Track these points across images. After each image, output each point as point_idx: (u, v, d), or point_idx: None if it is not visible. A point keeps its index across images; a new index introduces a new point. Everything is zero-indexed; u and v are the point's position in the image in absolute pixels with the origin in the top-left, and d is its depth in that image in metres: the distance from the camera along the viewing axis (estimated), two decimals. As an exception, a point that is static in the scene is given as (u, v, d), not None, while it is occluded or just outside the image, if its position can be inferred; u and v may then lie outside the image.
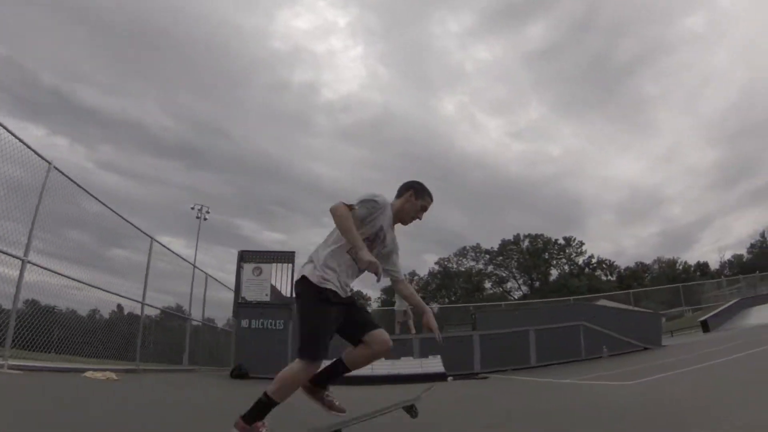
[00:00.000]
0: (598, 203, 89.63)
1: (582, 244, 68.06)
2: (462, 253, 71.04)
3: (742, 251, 63.21)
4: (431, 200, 3.04)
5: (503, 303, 47.70)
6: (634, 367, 8.28)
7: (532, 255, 67.79)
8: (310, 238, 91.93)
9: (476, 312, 19.56)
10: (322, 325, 2.67)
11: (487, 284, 69.78)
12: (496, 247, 69.15)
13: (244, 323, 11.41)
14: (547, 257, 68.36)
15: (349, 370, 2.82)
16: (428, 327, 2.91)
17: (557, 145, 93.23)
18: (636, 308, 17.88)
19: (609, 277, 65.54)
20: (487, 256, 69.61)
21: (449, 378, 10.10)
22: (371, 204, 2.78)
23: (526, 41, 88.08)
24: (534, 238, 68.36)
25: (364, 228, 2.76)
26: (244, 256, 12.35)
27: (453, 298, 64.97)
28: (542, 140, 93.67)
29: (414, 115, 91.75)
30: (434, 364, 10.53)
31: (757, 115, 79.91)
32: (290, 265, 12.24)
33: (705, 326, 19.07)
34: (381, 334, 2.77)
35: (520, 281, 69.24)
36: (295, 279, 2.91)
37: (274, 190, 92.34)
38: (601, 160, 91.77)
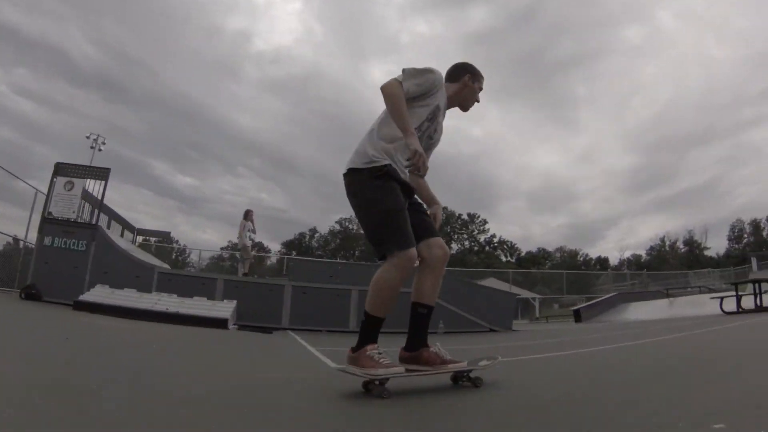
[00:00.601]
0: (512, 188, 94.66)
1: (485, 222, 69.75)
2: None
3: (642, 252, 69.13)
4: (483, 80, 2.78)
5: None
6: (453, 347, 6.52)
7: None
8: (222, 186, 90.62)
9: (291, 262, 17.49)
10: (396, 206, 2.25)
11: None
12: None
13: (47, 241, 10.16)
14: (449, 230, 69.02)
15: (433, 307, 2.40)
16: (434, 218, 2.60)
17: (480, 127, 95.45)
18: (493, 287, 16.50)
19: (509, 258, 67.41)
20: None
21: (233, 326, 9.03)
22: (429, 77, 2.44)
23: (467, 23, 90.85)
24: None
25: (420, 107, 2.44)
26: (59, 169, 10.88)
27: (352, 260, 64.26)
28: (466, 120, 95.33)
29: (342, 78, 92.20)
30: (223, 309, 9.31)
31: (675, 131, 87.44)
32: (103, 182, 11.04)
33: (577, 316, 18.50)
34: (437, 242, 2.41)
35: None
36: (343, 174, 2.42)
37: (191, 134, 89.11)
38: (520, 148, 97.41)
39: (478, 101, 2.78)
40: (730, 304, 11.09)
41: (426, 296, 2.39)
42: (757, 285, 11.08)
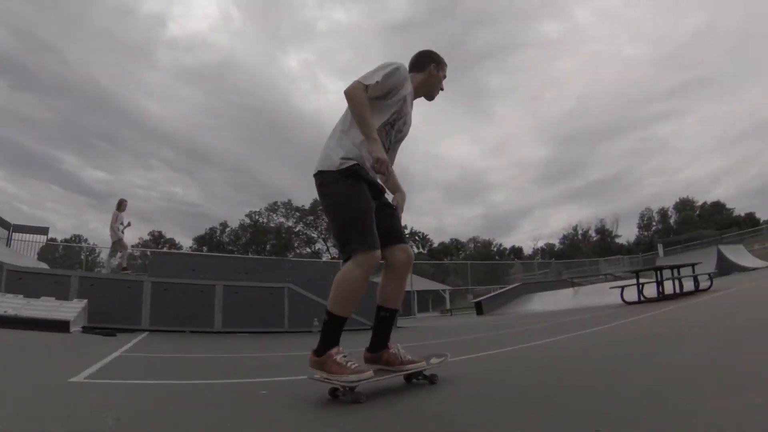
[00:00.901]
0: (426, 179, 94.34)
1: None
2: (273, 207, 67.88)
3: (555, 241, 71.46)
4: (446, 67, 2.83)
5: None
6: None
7: None
8: (133, 180, 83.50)
9: (152, 256, 15.84)
10: (363, 207, 2.28)
11: (296, 243, 67.64)
12: (308, 205, 66.59)
13: None
14: None
15: (394, 311, 2.47)
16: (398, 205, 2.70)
17: None
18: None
19: (421, 249, 67.53)
20: (298, 213, 66.89)
21: (77, 329, 8.08)
22: (394, 75, 2.42)
23: (386, 11, 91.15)
24: None
25: (388, 101, 2.45)
26: None
27: (264, 254, 61.64)
28: None
29: (258, 66, 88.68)
30: (69, 309, 8.28)
31: (587, 125, 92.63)
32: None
33: (479, 308, 17.84)
34: (402, 248, 2.45)
35: (330, 244, 67.88)
36: (313, 174, 2.44)
37: (101, 124, 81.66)
38: (434, 139, 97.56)
39: (442, 89, 2.82)
40: (632, 294, 10.58)
41: (390, 300, 2.45)
42: (658, 272, 10.62)
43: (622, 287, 10.93)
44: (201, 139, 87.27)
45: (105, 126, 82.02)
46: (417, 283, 31.38)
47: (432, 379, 2.47)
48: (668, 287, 10.43)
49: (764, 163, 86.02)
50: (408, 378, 2.48)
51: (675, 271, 10.99)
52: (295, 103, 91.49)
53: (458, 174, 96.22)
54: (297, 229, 67.82)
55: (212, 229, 68.30)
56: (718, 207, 67.39)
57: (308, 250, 66.41)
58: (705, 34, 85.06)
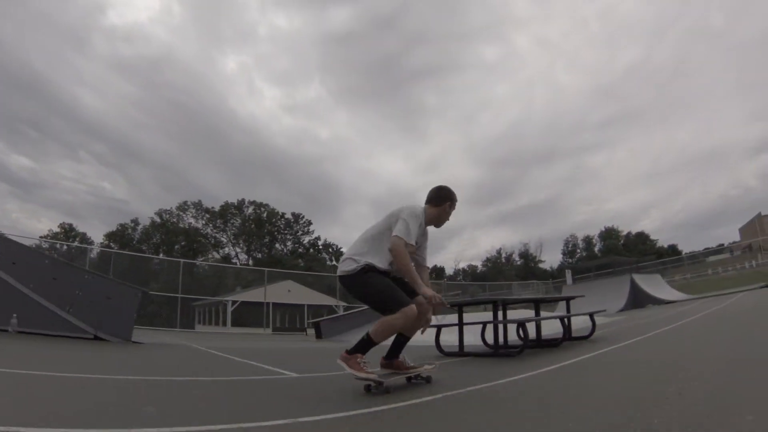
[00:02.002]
0: (356, 193, 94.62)
1: (309, 223, 64.43)
2: (183, 207, 61.72)
3: (478, 263, 70.19)
4: (456, 201, 3.54)
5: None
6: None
7: (257, 224, 61.23)
8: (61, 172, 77.25)
9: None
10: (383, 282, 3.11)
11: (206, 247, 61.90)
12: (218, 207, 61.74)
13: None
14: (272, 230, 62.66)
15: (408, 338, 3.35)
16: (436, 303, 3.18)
17: (328, 128, 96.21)
18: (116, 279, 10.48)
19: (335, 262, 62.78)
20: (207, 215, 61.31)
21: None
22: (418, 222, 3.25)
23: (327, 21, 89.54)
24: (258, 206, 61.97)
25: (418, 241, 3.30)
26: None
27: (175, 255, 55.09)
28: (314, 120, 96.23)
29: (195, 64, 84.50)
30: None
31: (520, 149, 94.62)
32: None
33: (317, 331, 14.37)
34: (421, 300, 3.16)
35: (238, 249, 62.24)
36: (339, 277, 3.30)
37: (29, 109, 73.31)
38: (366, 153, 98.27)
39: (448, 219, 3.52)
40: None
41: (407, 331, 3.29)
42: (500, 306, 5.95)
43: (483, 324, 6.30)
44: (132, 135, 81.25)
45: (34, 112, 75.00)
46: (310, 297, 27.44)
47: (428, 380, 3.42)
48: (531, 331, 5.83)
49: (689, 198, 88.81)
50: (408, 379, 3.39)
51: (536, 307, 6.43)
52: (231, 105, 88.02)
53: (388, 190, 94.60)
54: (205, 231, 61.66)
55: (123, 226, 62.08)
56: (642, 237, 67.55)
57: (216, 254, 60.77)
58: (639, 69, 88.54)
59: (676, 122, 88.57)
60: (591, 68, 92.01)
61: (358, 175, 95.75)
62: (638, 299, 19.12)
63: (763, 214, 52.38)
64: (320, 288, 29.66)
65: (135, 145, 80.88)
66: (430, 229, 3.47)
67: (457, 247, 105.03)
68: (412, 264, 3.11)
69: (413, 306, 2.98)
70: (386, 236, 3.18)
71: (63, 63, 75.36)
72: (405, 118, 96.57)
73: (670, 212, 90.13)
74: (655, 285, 20.63)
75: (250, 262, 59.50)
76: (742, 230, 57.75)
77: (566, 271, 29.00)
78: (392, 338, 3.29)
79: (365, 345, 3.04)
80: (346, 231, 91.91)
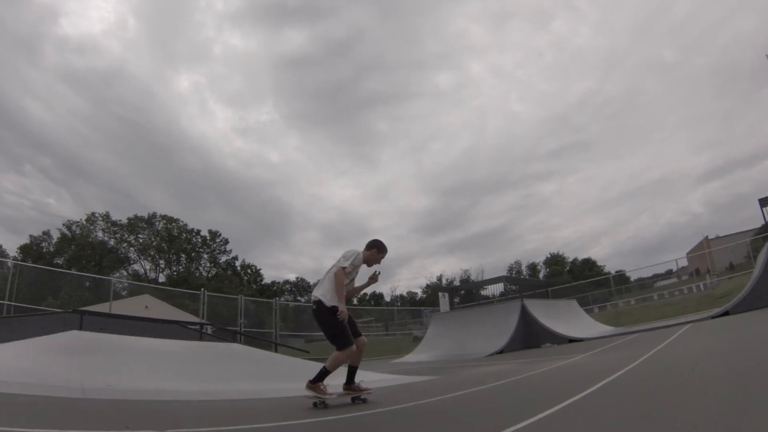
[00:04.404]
0: (306, 219, 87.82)
1: (227, 242, 56.81)
2: (91, 219, 53.85)
3: (418, 290, 66.12)
4: (386, 253, 4.82)
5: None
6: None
7: (169, 240, 53.61)
8: (4, 185, 65.76)
9: None
10: (341, 325, 4.30)
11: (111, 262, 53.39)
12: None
13: None
14: (187, 247, 55.02)
15: (356, 367, 4.63)
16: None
17: (279, 152, 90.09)
18: None
19: (253, 285, 55.26)
20: (114, 228, 53.60)
21: None
22: (358, 263, 4.62)
23: (282, 44, 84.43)
24: (170, 221, 54.33)
25: (354, 271, 4.66)
26: None
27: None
28: (266, 144, 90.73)
29: (147, 81, 76.17)
30: None
31: (470, 178, 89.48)
32: None
33: None
34: (362, 339, 4.57)
35: (148, 266, 54.18)
36: (313, 300, 4.54)
37: None
38: (316, 179, 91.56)
39: (378, 263, 4.78)
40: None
41: (355, 362, 4.60)
42: None
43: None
44: (80, 151, 72.70)
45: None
46: (171, 315, 21.54)
47: (365, 401, 4.57)
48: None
49: (639, 226, 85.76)
50: (353, 399, 4.56)
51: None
52: (182, 125, 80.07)
53: (338, 216, 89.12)
54: (110, 244, 53.56)
55: (36, 238, 53.54)
56: (588, 264, 62.70)
57: (124, 272, 52.98)
58: (590, 100, 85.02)
59: (626, 152, 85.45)
60: (544, 98, 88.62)
61: (309, 201, 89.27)
62: (532, 335, 12.49)
63: (710, 238, 49.50)
64: (187, 306, 23.22)
65: (82, 161, 72.84)
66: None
67: (408, 276, 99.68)
68: (345, 288, 4.48)
69: (353, 346, 4.31)
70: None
71: (11, 70, 67.18)
72: (356, 145, 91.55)
73: (619, 240, 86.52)
74: (567, 315, 14.02)
75: (161, 278, 52.50)
76: (690, 255, 54.40)
77: (440, 294, 22.08)
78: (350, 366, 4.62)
79: (324, 374, 4.23)
80: (295, 257, 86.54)
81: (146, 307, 22.13)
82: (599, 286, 37.68)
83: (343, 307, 4.29)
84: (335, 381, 4.34)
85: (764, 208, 10.74)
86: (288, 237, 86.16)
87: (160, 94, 78.00)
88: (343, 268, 4.41)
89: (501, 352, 11.72)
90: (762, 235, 23.27)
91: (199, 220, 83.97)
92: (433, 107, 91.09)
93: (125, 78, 72.63)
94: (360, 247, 4.78)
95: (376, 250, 4.70)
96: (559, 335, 12.00)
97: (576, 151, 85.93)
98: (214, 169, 79.86)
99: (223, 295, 27.52)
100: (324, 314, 4.35)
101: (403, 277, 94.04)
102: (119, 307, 18.33)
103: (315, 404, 4.13)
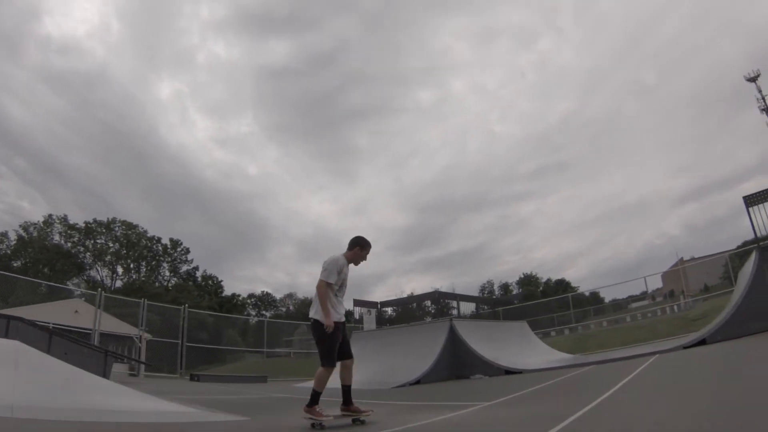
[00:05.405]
0: (282, 233, 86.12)
1: (188, 251, 53.36)
2: (48, 222, 50.26)
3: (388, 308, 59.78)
4: (370, 247, 4.72)
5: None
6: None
7: (127, 247, 50.17)
8: None
9: None
10: (333, 342, 4.32)
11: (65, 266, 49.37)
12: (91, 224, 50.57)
13: None
14: (147, 254, 51.62)
15: (349, 385, 4.47)
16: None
17: (257, 165, 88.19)
18: None
19: (213, 296, 51.77)
20: (70, 232, 49.97)
21: None
22: (340, 268, 4.47)
23: (266, 54, 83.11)
24: (129, 227, 50.96)
25: (341, 275, 4.51)
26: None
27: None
28: (245, 156, 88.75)
29: (129, 86, 73.96)
30: None
31: (449, 196, 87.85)
32: None
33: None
34: (351, 359, 4.53)
35: (105, 273, 50.56)
36: (310, 318, 4.47)
37: None
38: (294, 193, 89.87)
39: (365, 259, 4.70)
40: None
41: (346, 381, 4.47)
42: None
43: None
44: (57, 153, 69.48)
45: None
46: (104, 323, 19.53)
47: (364, 422, 4.36)
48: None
49: (616, 247, 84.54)
50: (353, 420, 4.38)
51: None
52: (161, 133, 77.56)
53: (315, 231, 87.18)
54: (66, 247, 49.91)
55: None
56: (562, 285, 60.53)
57: (82, 279, 48.95)
58: (571, 121, 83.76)
59: (605, 174, 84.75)
60: (525, 118, 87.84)
61: (286, 215, 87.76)
62: (462, 363, 9.87)
63: (685, 258, 47.77)
64: (124, 315, 20.97)
65: (59, 164, 69.44)
66: (357, 269, 4.71)
67: (383, 293, 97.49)
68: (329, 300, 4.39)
69: (334, 367, 4.28)
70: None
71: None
72: (335, 159, 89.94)
73: (596, 261, 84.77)
74: (508, 340, 11.52)
75: (117, 285, 48.67)
76: (665, 276, 52.65)
77: (364, 311, 19.33)
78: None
79: (314, 396, 4.19)
80: (270, 271, 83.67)
81: (76, 311, 20.27)
82: (573, 306, 35.80)
83: (329, 321, 4.26)
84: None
85: (750, 208, 8.33)
86: (264, 250, 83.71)
87: (142, 100, 75.54)
88: (325, 281, 4.38)
89: (417, 382, 9.09)
90: (743, 249, 21.22)
91: (174, 229, 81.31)
92: (413, 123, 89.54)
93: (107, 81, 70.25)
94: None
95: (358, 248, 4.64)
96: (493, 365, 9.40)
97: (555, 171, 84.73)
98: (191, 178, 77.35)
99: (158, 304, 24.69)
100: (316, 331, 4.36)
101: (378, 296, 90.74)
102: (46, 310, 17.19)
103: (313, 425, 4.10)
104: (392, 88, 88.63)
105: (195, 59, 79.84)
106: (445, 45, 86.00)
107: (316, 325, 4.30)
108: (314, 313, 4.36)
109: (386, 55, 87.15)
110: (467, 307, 55.24)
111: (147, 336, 20.24)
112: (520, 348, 11.25)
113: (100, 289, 18.90)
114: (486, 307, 56.16)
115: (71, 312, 19.83)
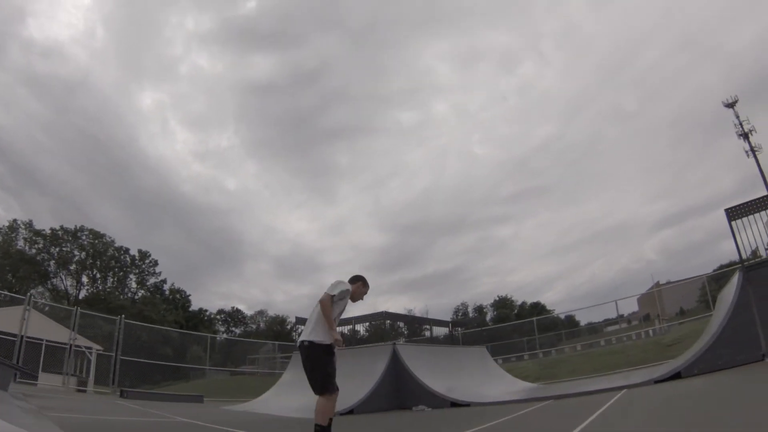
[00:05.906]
0: (259, 250, 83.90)
1: (156, 263, 51.10)
2: (13, 227, 48.00)
3: (360, 327, 59.85)
4: (369, 288, 4.46)
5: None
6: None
7: (93, 256, 47.88)
8: None
9: None
10: (332, 369, 3.83)
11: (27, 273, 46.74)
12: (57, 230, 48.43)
13: None
14: (114, 265, 49.29)
15: (331, 417, 3.87)
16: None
17: (236, 180, 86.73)
18: None
19: (180, 311, 49.53)
20: (38, 238, 47.69)
21: None
22: (346, 293, 4.13)
23: (249, 69, 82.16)
24: (96, 235, 48.74)
25: (341, 303, 4.13)
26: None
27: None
28: (224, 170, 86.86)
29: (110, 94, 72.29)
30: None
31: (428, 217, 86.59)
32: None
33: None
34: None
35: (69, 282, 48.14)
36: (303, 343, 3.91)
37: None
38: (272, 210, 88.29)
39: (362, 299, 4.47)
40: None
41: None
42: None
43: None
44: (34, 159, 66.33)
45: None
46: (48, 331, 18.56)
47: None
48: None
49: (593, 271, 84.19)
50: None
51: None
52: (141, 143, 75.53)
53: (292, 249, 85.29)
54: (31, 252, 47.33)
55: None
56: (537, 308, 59.53)
57: (46, 287, 46.88)
58: (552, 146, 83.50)
59: (584, 198, 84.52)
60: (505, 141, 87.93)
61: (263, 232, 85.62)
62: (406, 392, 8.50)
63: (661, 282, 47.46)
64: (101, 327, 20.13)
65: (35, 169, 66.17)
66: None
67: (358, 312, 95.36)
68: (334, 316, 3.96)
69: (337, 392, 3.77)
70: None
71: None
72: (315, 177, 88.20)
73: (573, 285, 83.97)
74: (461, 368, 10.18)
75: (81, 295, 46.49)
76: (641, 300, 52.08)
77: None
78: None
79: (319, 430, 3.66)
80: (245, 287, 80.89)
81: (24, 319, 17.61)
82: (545, 330, 34.79)
83: (336, 335, 3.88)
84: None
85: (732, 222, 7.16)
86: (240, 266, 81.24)
87: (123, 109, 73.67)
88: (332, 296, 3.95)
89: (350, 412, 7.71)
90: (720, 271, 20.36)
91: (149, 241, 77.80)
92: (394, 143, 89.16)
93: (89, 88, 68.39)
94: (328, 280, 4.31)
95: (361, 283, 4.42)
96: (438, 396, 8.06)
97: (534, 195, 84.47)
98: (169, 191, 75.44)
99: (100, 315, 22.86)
100: (317, 354, 3.83)
101: (352, 314, 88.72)
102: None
103: None
104: (374, 108, 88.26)
105: (178, 70, 78.66)
106: (429, 66, 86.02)
107: (312, 348, 3.83)
108: (309, 334, 3.88)
109: (369, 74, 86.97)
110: (440, 331, 54.00)
111: (98, 348, 18.89)
112: (475, 376, 9.94)
113: (76, 307, 17.87)
114: (460, 329, 54.99)
115: (18, 318, 17.82)
